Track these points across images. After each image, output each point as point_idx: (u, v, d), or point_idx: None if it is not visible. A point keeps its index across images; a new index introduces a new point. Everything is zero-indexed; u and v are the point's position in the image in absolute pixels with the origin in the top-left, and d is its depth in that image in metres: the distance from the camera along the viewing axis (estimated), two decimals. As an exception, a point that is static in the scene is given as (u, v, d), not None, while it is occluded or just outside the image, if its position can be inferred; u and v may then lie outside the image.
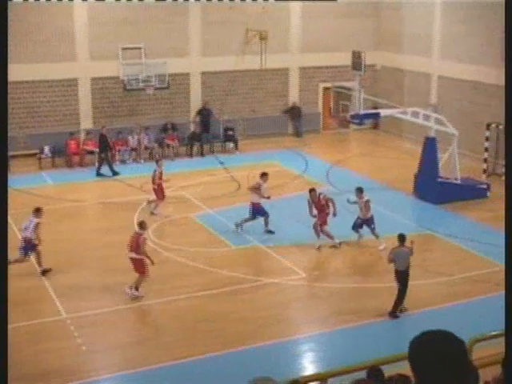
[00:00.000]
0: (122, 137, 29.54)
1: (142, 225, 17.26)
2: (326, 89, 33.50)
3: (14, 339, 14.59)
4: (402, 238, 15.96)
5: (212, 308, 16.32)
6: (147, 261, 16.66)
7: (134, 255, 16.66)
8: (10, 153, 27.75)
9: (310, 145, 31.99)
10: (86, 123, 30.58)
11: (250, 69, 32.45)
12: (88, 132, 29.91)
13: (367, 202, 19.79)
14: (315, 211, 19.85)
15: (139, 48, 30.60)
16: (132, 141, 29.80)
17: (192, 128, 31.69)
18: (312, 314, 16.38)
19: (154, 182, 22.89)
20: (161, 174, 22.97)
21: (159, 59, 30.56)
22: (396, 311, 15.80)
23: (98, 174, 27.63)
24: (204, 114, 31.74)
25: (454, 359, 3.90)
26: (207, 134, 31.22)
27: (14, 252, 16.41)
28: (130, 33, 30.56)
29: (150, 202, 23.23)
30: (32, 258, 18.27)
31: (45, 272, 18.11)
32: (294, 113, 33.89)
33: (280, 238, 20.61)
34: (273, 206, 21.90)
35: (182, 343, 14.67)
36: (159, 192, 22.92)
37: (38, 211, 18.41)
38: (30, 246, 18.00)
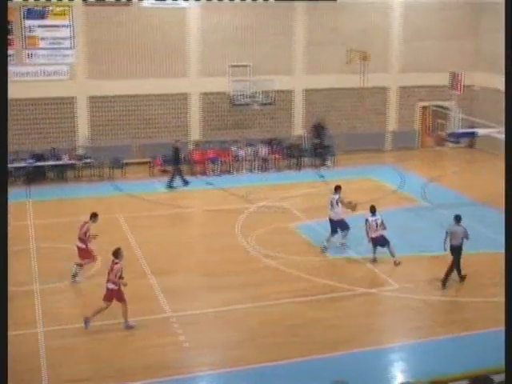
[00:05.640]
0: (225, 147, 30.02)
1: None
2: (423, 108, 33.12)
3: (116, 333, 14.99)
4: (458, 218, 17.61)
5: (306, 314, 16.17)
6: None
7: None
8: (124, 160, 28.63)
9: (406, 161, 31.48)
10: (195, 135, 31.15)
11: (351, 87, 32.23)
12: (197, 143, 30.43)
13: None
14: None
15: (246, 66, 30.86)
16: (240, 153, 30.10)
17: (293, 141, 31.78)
18: (404, 324, 16.03)
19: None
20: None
21: (265, 76, 30.72)
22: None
23: (170, 187, 26.80)
24: (319, 129, 31.70)
25: None
26: (322, 149, 31.19)
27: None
28: (238, 52, 30.91)
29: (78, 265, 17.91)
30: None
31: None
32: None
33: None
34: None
35: (275, 347, 14.59)
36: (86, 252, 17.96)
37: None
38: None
